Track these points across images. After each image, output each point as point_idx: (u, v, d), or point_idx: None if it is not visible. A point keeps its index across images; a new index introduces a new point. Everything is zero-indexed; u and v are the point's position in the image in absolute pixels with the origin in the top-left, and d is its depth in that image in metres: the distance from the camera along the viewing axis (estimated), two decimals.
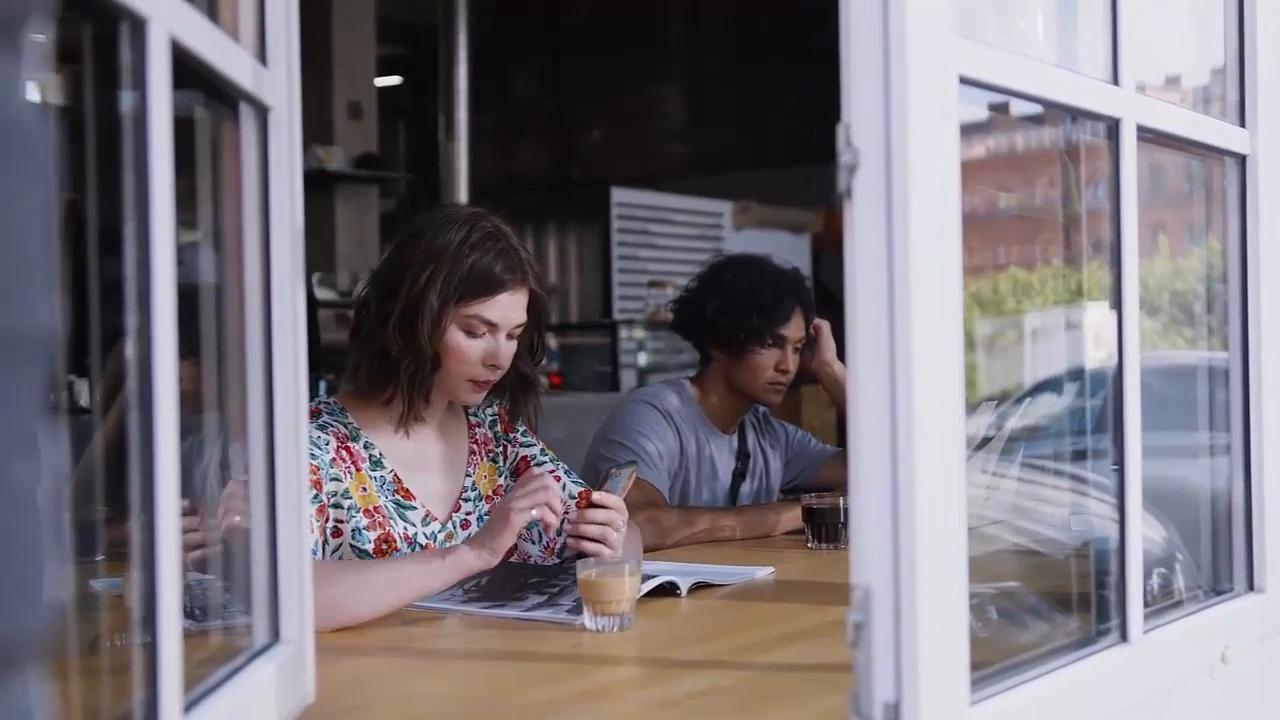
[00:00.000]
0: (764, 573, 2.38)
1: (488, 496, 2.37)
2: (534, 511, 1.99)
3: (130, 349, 1.03)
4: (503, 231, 2.27)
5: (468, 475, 2.37)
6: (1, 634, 0.54)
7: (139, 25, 1.00)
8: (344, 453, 2.20)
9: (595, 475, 2.96)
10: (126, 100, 1.02)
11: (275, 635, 1.38)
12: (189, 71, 1.13)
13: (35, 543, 0.56)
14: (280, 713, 1.34)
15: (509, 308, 2.23)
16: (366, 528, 2.18)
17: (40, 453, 0.57)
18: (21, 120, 0.54)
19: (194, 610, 1.35)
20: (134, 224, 1.01)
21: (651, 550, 2.71)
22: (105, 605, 1.40)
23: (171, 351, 1.03)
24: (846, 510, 2.67)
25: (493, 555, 1.98)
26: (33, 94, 0.56)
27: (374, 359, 2.22)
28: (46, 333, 0.57)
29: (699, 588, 2.21)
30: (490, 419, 2.45)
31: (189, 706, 1.10)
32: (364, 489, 2.20)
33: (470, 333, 2.21)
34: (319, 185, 7.28)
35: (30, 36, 0.56)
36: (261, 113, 1.36)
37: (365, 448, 2.24)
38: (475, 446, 2.40)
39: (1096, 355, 1.99)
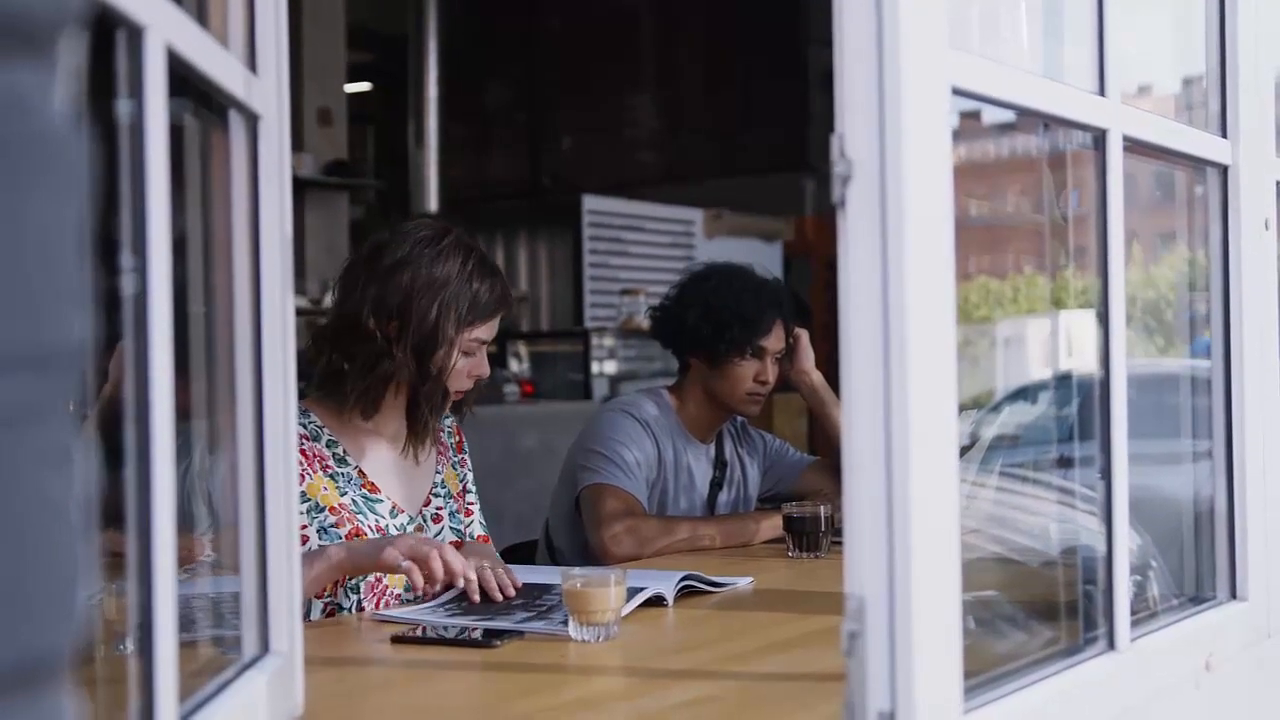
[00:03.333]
0: (744, 582, 2.38)
1: (456, 495, 2.47)
2: (405, 564, 2.01)
3: (126, 357, 1.02)
4: (486, 254, 2.39)
5: (437, 472, 2.45)
6: (38, 647, 0.54)
7: (136, 33, 0.99)
8: (300, 455, 2.23)
9: (573, 484, 2.96)
10: (122, 108, 1.01)
11: (265, 647, 1.37)
12: (179, 78, 1.12)
13: (69, 556, 0.56)
14: None
15: (497, 325, 2.37)
16: (334, 525, 2.23)
17: (73, 466, 0.57)
18: (55, 132, 0.54)
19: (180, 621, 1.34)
20: (130, 232, 1.00)
21: (631, 559, 2.72)
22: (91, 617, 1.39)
23: (167, 360, 1.02)
24: (827, 519, 2.69)
25: (352, 564, 2.05)
26: (64, 106, 0.56)
27: (383, 383, 2.28)
28: (79, 346, 0.57)
29: (686, 593, 2.21)
30: (448, 429, 2.54)
31: (182, 719, 1.09)
32: (325, 489, 2.25)
33: (467, 353, 2.32)
34: None
35: (63, 48, 0.55)
36: (251, 121, 1.35)
37: (328, 446, 2.29)
38: (441, 447, 2.49)
39: (1072, 363, 2.00)
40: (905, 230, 1.17)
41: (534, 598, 2.15)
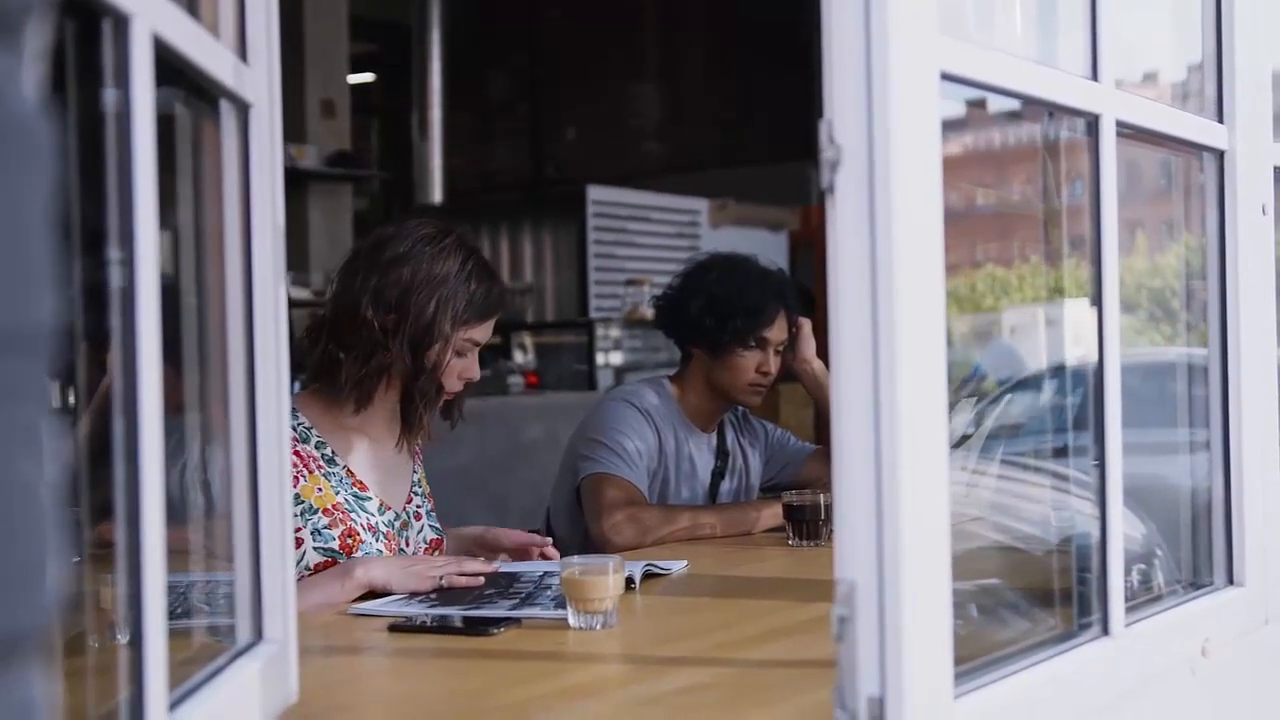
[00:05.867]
0: (679, 566, 2.41)
1: (429, 494, 2.52)
2: (443, 581, 2.15)
3: (112, 349, 1.02)
4: (484, 257, 2.41)
5: (415, 472, 2.49)
6: (6, 628, 0.54)
7: (122, 22, 0.99)
8: (294, 456, 2.26)
9: (573, 474, 2.97)
10: (109, 97, 1.02)
11: (259, 634, 1.37)
12: (169, 68, 1.12)
13: (40, 538, 0.56)
14: (263, 712, 1.33)
15: (491, 328, 2.40)
16: (328, 526, 2.26)
17: (44, 447, 0.57)
18: (23, 117, 0.55)
19: (174, 610, 1.35)
20: (117, 222, 1.01)
21: (632, 548, 2.72)
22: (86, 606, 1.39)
23: (155, 352, 1.02)
24: (827, 507, 2.69)
25: (386, 583, 2.13)
26: (32, 91, 0.56)
27: (376, 375, 2.30)
28: (48, 329, 0.57)
29: (684, 583, 2.23)
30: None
31: (173, 705, 1.10)
32: (319, 489, 2.28)
33: (459, 353, 2.35)
34: (292, 184, 7.21)
35: (30, 34, 0.55)
36: (242, 110, 1.35)
37: (316, 447, 2.32)
38: (417, 450, 2.52)
39: (1075, 352, 2.00)
40: (894, 216, 1.17)
41: (506, 586, 2.15)
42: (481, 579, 2.17)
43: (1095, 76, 1.53)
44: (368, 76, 10.11)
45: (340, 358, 2.29)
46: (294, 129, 7.45)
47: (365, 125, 9.33)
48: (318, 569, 2.21)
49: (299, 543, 2.21)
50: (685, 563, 2.44)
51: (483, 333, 2.37)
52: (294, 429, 2.29)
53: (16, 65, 0.54)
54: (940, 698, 1.22)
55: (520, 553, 2.46)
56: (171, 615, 1.14)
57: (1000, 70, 1.39)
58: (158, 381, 1.02)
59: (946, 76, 1.26)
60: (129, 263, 1.01)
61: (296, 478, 2.23)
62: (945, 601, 1.23)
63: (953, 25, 1.31)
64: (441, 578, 2.14)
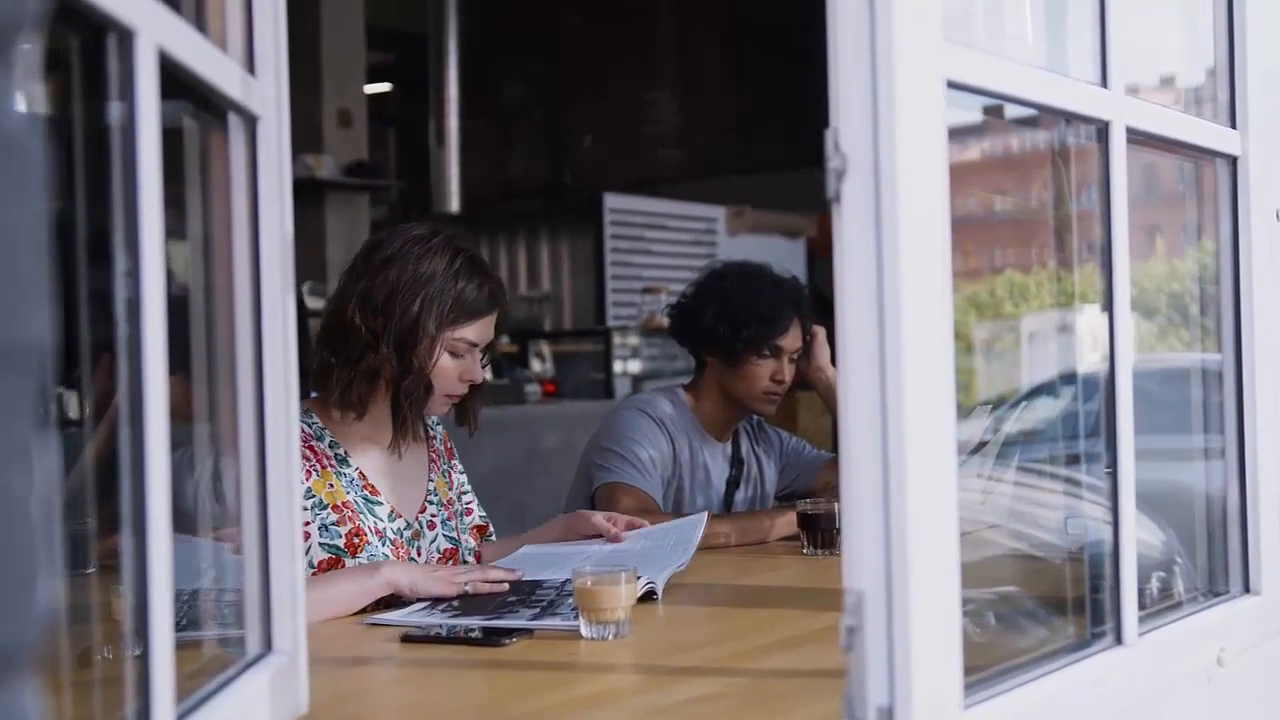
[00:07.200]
0: (697, 519, 2.49)
1: (446, 503, 2.49)
2: (468, 587, 2.16)
3: (120, 361, 1.02)
4: (478, 256, 2.39)
5: (430, 480, 2.48)
6: None
7: (127, 36, 1.00)
8: (308, 451, 2.28)
9: (588, 483, 2.97)
10: (114, 110, 1.02)
11: (268, 645, 1.37)
12: (176, 81, 1.12)
13: (30, 552, 0.56)
14: None
15: (488, 328, 2.38)
16: (336, 523, 2.26)
17: (34, 463, 0.57)
18: (14, 133, 0.55)
19: (182, 620, 1.35)
20: (123, 234, 1.01)
21: None
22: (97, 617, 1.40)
23: (161, 363, 1.02)
24: (841, 515, 2.68)
25: (411, 586, 2.13)
26: (24, 106, 0.56)
27: (366, 379, 2.30)
28: (40, 344, 0.58)
29: (701, 593, 2.24)
30: (439, 437, 2.57)
31: (181, 717, 1.10)
32: (330, 485, 2.29)
33: (454, 354, 2.33)
34: (309, 194, 7.24)
35: (21, 48, 0.56)
36: (250, 122, 1.36)
37: (331, 446, 2.33)
38: (434, 456, 2.51)
39: (1092, 358, 1.99)
40: (900, 224, 1.17)
41: (529, 594, 2.15)
42: (505, 586, 2.17)
43: (1104, 83, 1.53)
44: (384, 86, 10.12)
45: (332, 362, 2.29)
46: (311, 139, 7.46)
47: (382, 135, 9.34)
48: (322, 566, 2.22)
49: (305, 536, 2.21)
50: (704, 514, 2.51)
51: (476, 332, 2.34)
52: (310, 427, 2.31)
53: (8, 80, 0.54)
54: (950, 707, 1.22)
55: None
56: (179, 626, 1.14)
57: (1007, 77, 1.39)
58: (164, 390, 1.03)
59: (952, 84, 1.25)
60: (134, 274, 1.02)
61: (309, 472, 2.25)
62: (954, 611, 1.23)
63: (960, 32, 1.31)
64: (466, 584, 2.14)
